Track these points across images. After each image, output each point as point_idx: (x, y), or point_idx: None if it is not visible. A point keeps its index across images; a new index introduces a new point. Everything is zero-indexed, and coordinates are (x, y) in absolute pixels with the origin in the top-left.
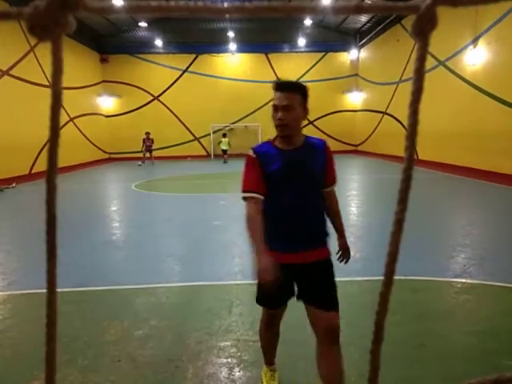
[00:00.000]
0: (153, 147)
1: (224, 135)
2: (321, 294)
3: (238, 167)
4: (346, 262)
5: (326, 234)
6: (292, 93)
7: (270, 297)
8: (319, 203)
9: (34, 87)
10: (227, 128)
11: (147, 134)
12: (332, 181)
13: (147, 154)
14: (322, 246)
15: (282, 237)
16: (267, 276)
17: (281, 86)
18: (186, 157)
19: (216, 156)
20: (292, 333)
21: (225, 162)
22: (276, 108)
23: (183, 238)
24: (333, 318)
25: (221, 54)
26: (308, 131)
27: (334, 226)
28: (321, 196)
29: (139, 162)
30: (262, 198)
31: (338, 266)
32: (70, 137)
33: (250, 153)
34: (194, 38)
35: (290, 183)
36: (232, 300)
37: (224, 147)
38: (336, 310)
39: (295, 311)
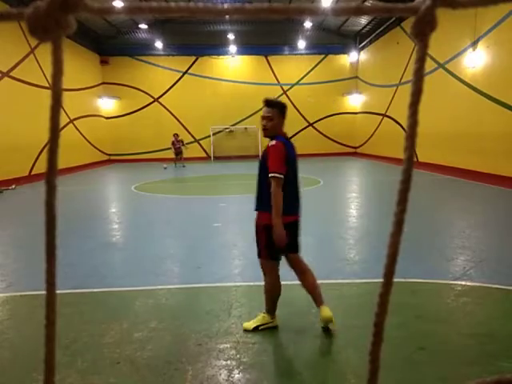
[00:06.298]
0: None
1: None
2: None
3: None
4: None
5: None
6: (271, 108)
7: (281, 251)
8: None
9: (34, 89)
10: (227, 130)
11: (175, 135)
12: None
13: (177, 156)
14: None
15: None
16: (284, 240)
17: (264, 102)
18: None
19: (216, 158)
20: None
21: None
22: (262, 118)
23: (183, 239)
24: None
25: (221, 57)
26: (308, 133)
27: None
28: None
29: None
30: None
31: (336, 268)
32: (70, 138)
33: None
34: (194, 40)
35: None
36: (231, 302)
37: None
38: None
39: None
